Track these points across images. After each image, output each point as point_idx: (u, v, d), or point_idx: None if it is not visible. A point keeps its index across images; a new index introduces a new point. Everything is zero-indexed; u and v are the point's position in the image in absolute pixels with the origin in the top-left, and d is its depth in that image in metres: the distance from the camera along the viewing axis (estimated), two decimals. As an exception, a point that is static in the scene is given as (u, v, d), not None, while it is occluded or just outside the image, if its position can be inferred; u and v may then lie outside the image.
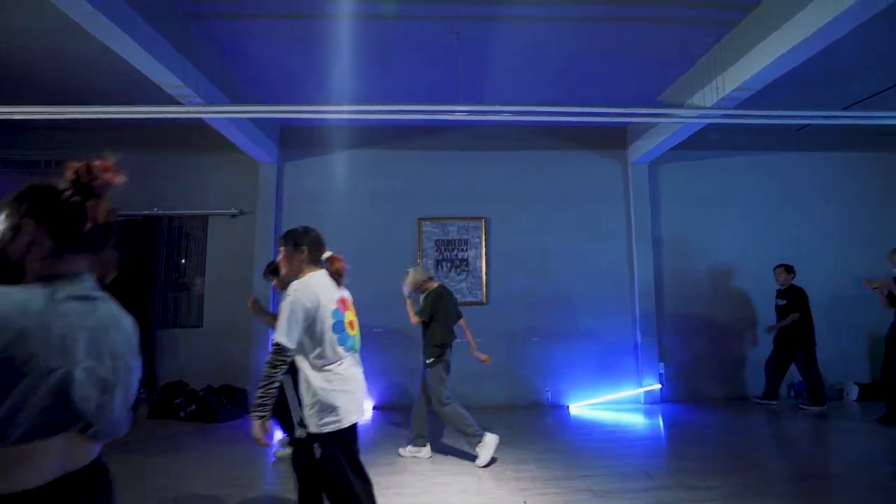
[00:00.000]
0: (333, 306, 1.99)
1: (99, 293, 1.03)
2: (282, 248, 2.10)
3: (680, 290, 5.83)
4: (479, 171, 5.87)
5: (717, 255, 5.87)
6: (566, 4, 3.59)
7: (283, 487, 3.18)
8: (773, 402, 5.28)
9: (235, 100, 4.66)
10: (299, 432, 1.97)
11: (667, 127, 4.92)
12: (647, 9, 3.63)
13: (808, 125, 5.70)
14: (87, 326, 0.95)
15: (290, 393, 3.24)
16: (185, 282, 5.92)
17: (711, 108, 4.10)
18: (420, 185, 5.82)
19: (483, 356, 3.95)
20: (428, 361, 3.69)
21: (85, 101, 5.05)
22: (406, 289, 3.91)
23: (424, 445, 3.72)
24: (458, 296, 5.63)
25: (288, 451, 3.72)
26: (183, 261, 5.92)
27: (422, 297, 3.88)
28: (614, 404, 5.50)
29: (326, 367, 1.94)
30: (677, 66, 4.48)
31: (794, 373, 5.62)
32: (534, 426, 4.65)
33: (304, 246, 2.07)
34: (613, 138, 5.99)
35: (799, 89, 4.89)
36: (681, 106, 4.51)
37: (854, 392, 5.53)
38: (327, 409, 1.90)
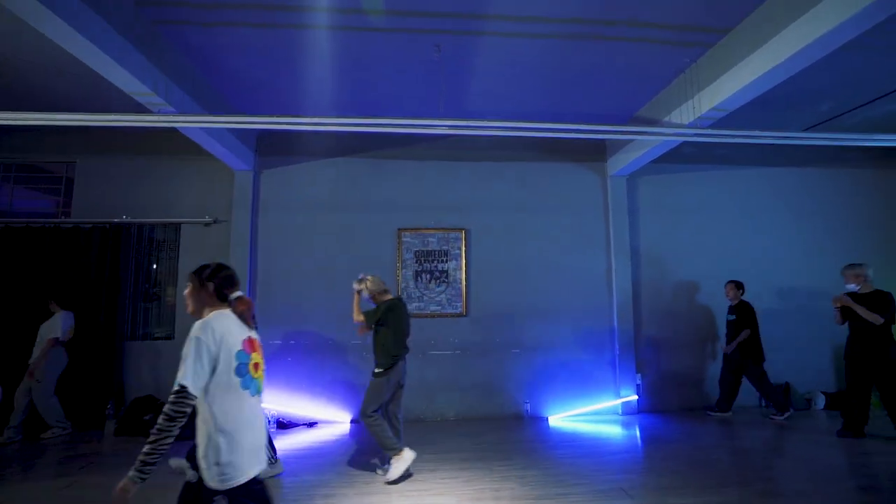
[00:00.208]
0: (238, 347, 1.87)
1: None
2: (189, 283, 1.98)
3: (657, 302, 5.92)
4: (459, 182, 5.85)
5: (692, 268, 5.99)
6: (546, 22, 3.60)
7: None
8: (727, 414, 5.40)
9: (210, 107, 4.53)
10: (190, 475, 1.77)
11: (644, 143, 5.00)
12: (624, 29, 3.67)
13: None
14: None
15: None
16: (155, 292, 5.72)
17: (688, 126, 4.17)
18: (400, 194, 5.76)
19: (360, 318, 3.81)
20: (375, 371, 3.65)
21: (52, 106, 4.87)
22: (357, 287, 3.84)
23: (402, 449, 3.65)
24: (437, 307, 5.64)
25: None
26: (154, 268, 5.72)
27: (375, 306, 3.82)
28: (593, 415, 5.54)
29: (226, 413, 1.78)
30: (655, 82, 4.55)
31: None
32: (513, 440, 4.63)
33: (210, 282, 1.95)
34: (593, 151, 6.05)
35: (769, 108, 5.03)
36: (658, 122, 4.58)
37: (821, 402, 5.70)
38: (228, 461, 1.73)
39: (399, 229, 5.68)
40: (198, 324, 1.81)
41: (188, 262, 5.58)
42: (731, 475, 3.63)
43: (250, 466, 1.80)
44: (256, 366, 1.94)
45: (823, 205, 6.30)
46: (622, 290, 5.78)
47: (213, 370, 1.77)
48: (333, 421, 5.37)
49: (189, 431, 1.73)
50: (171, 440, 1.65)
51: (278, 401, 5.35)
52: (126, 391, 5.38)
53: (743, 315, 5.37)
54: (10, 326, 5.18)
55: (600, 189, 6.05)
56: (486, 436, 4.76)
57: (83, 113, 3.50)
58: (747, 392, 5.61)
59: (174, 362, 5.29)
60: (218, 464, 1.72)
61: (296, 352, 5.47)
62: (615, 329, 5.73)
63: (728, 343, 5.44)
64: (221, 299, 1.95)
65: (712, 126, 4.15)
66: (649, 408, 5.70)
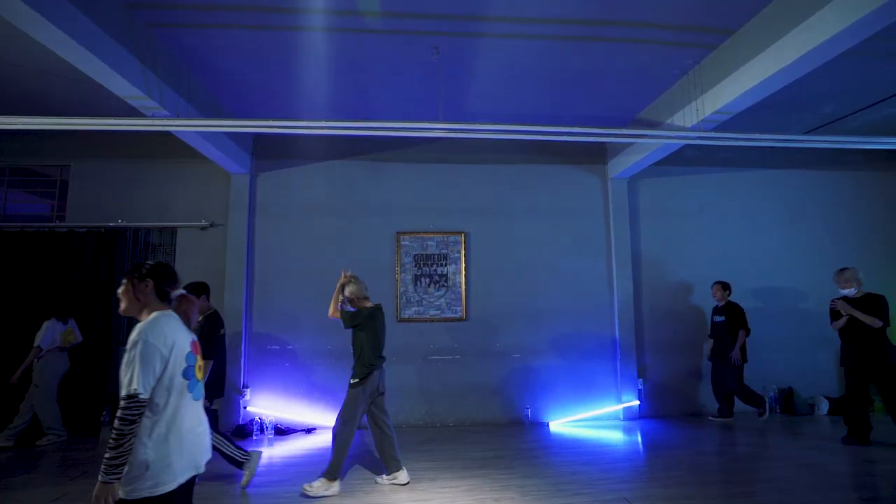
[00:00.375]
0: (188, 349, 1.80)
1: None
2: (124, 280, 1.83)
3: (658, 305, 5.87)
4: (458, 185, 5.80)
5: (694, 271, 5.93)
6: (545, 23, 3.55)
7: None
8: (729, 419, 5.35)
9: (205, 111, 4.47)
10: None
11: (646, 145, 4.94)
12: (626, 30, 3.61)
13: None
14: None
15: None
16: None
17: (690, 129, 4.12)
18: (398, 198, 5.70)
19: (336, 314, 3.74)
20: (352, 381, 3.56)
21: (47, 110, 4.81)
22: (341, 282, 3.76)
23: (399, 469, 3.61)
24: (436, 311, 5.58)
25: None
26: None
27: (353, 309, 3.72)
28: (594, 421, 5.48)
29: (166, 418, 1.70)
30: (657, 85, 4.50)
31: (768, 386, 5.73)
32: (514, 447, 4.57)
33: (150, 278, 1.82)
34: (593, 154, 6.00)
35: (770, 111, 4.99)
36: (660, 125, 4.52)
37: (825, 406, 5.65)
38: (163, 466, 1.66)
39: (398, 233, 5.62)
40: (143, 325, 1.71)
41: (185, 266, 5.51)
42: (736, 484, 3.57)
43: (186, 471, 1.74)
44: (200, 368, 1.87)
45: (824, 207, 6.25)
46: (623, 293, 5.73)
47: (163, 373, 1.69)
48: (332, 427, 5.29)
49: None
50: (131, 444, 1.61)
51: (276, 406, 5.28)
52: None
53: (734, 316, 5.31)
54: (5, 332, 5.11)
55: (601, 192, 6.00)
56: (487, 442, 4.70)
57: (77, 117, 3.44)
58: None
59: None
60: (153, 468, 1.65)
61: (293, 356, 5.41)
62: (616, 333, 5.68)
63: (717, 345, 5.38)
64: (162, 298, 1.83)
65: (715, 129, 4.10)
66: (651, 413, 5.64)
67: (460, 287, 5.60)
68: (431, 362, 5.52)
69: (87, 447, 4.65)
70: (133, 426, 1.61)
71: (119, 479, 1.59)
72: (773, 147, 5.97)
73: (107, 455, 1.58)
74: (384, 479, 3.62)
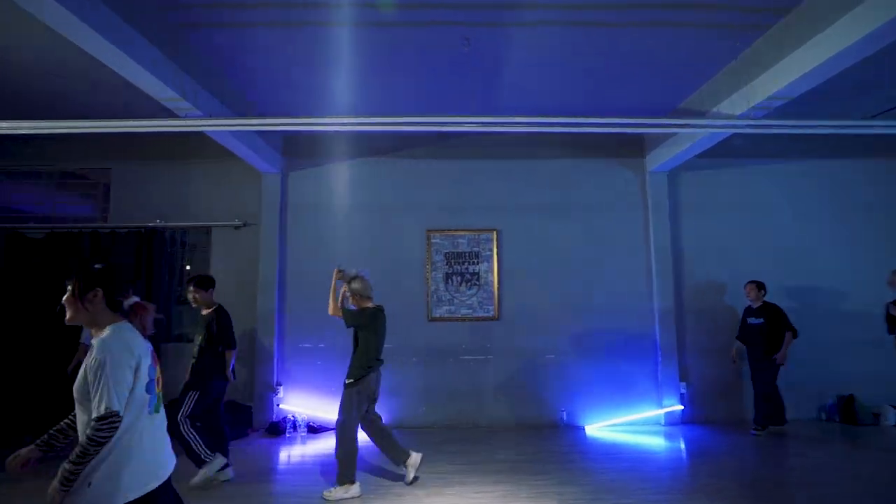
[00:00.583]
0: (150, 361, 1.72)
1: None
2: (69, 288, 1.69)
3: (702, 306, 5.55)
4: (489, 181, 5.66)
5: (740, 269, 5.54)
6: (582, 9, 3.37)
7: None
8: (781, 426, 4.96)
9: (236, 110, 4.50)
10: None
11: (688, 136, 4.67)
12: (668, 13, 3.38)
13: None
14: None
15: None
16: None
17: (739, 117, 3.84)
18: (429, 195, 5.61)
19: (338, 312, 3.65)
20: (347, 381, 3.48)
21: (83, 114, 4.96)
22: (346, 276, 3.67)
23: (410, 455, 3.55)
24: (468, 311, 5.47)
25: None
26: (188, 269, 5.78)
27: (354, 308, 3.64)
28: (633, 426, 5.24)
29: (133, 431, 1.63)
30: (702, 71, 4.22)
31: (826, 393, 5.35)
32: (550, 450, 4.41)
33: (98, 287, 1.67)
34: (630, 147, 5.74)
35: (825, 96, 4.61)
36: (705, 114, 4.25)
37: (892, 416, 5.20)
38: (115, 477, 1.58)
39: (428, 230, 5.54)
40: (106, 341, 1.60)
41: (220, 265, 5.61)
42: (792, 500, 3.31)
43: (143, 486, 1.64)
44: (159, 380, 1.79)
45: (888, 199, 5.75)
46: (663, 292, 5.45)
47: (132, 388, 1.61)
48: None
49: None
50: (92, 458, 1.54)
51: (308, 404, 5.31)
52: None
53: (774, 318, 4.94)
54: (55, 329, 5.32)
55: (638, 186, 5.73)
56: (521, 446, 4.56)
57: (115, 119, 3.50)
58: (806, 402, 5.19)
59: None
60: (95, 485, 1.55)
61: (325, 355, 5.41)
62: (656, 334, 5.41)
63: (753, 349, 5.00)
64: (113, 308, 1.70)
65: (767, 116, 3.80)
66: (695, 419, 5.35)
67: (492, 286, 5.46)
68: (463, 362, 5.42)
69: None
70: (102, 447, 1.54)
71: (70, 489, 1.52)
72: (827, 135, 5.54)
73: (66, 467, 1.51)
74: (408, 471, 3.55)
